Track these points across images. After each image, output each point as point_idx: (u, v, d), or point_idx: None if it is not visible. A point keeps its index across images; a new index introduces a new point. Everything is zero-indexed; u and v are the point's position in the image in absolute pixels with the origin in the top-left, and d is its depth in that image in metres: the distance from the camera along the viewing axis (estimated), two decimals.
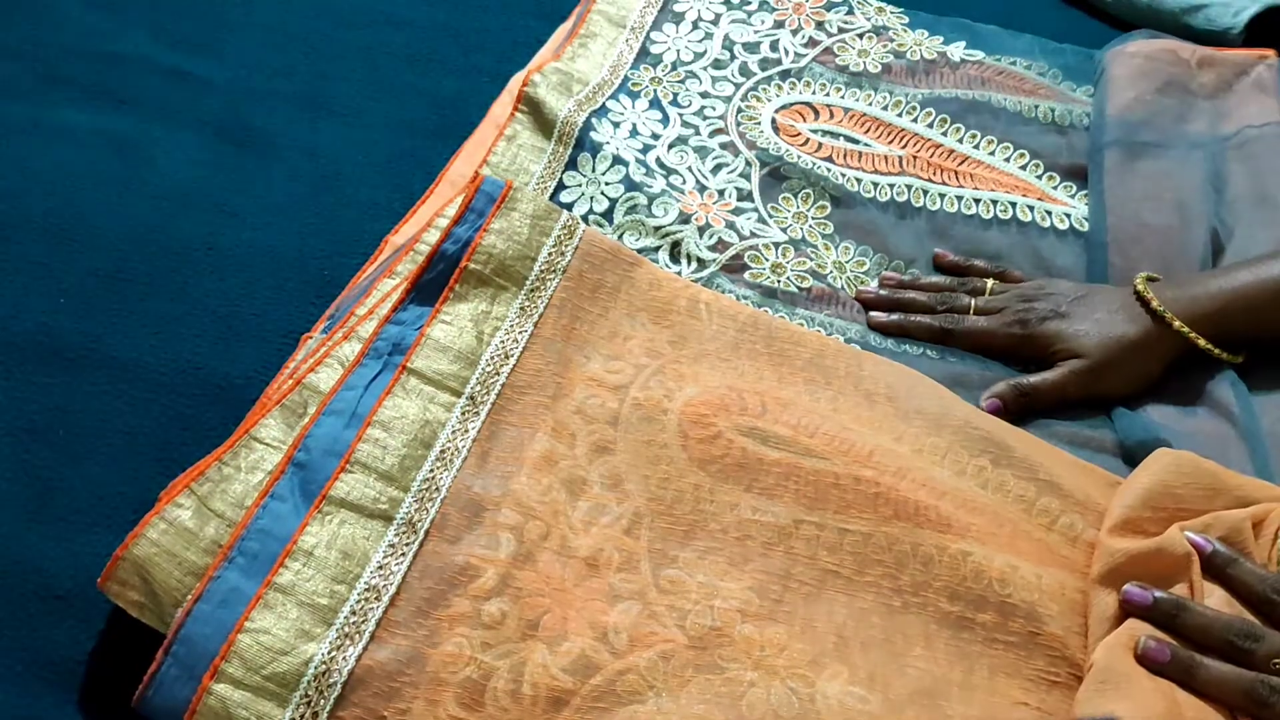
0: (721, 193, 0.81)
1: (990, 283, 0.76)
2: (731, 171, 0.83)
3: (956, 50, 0.91)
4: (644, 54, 0.91)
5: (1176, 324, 0.69)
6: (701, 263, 0.76)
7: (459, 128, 0.85)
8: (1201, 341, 0.69)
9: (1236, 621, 0.53)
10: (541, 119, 0.83)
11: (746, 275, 0.76)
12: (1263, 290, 0.69)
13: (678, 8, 0.95)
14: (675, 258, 0.76)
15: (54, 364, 0.69)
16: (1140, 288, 0.71)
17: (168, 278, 0.75)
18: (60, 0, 0.93)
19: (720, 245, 0.77)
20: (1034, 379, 0.70)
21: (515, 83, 0.86)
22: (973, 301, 0.75)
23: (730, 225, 0.78)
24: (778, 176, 0.82)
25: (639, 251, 0.76)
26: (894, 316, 0.75)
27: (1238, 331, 0.70)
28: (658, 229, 0.77)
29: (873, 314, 0.75)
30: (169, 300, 0.74)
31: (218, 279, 0.75)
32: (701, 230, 0.77)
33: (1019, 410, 0.70)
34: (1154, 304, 0.70)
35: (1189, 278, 0.72)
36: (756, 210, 0.80)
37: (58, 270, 0.74)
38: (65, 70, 0.87)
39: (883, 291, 0.77)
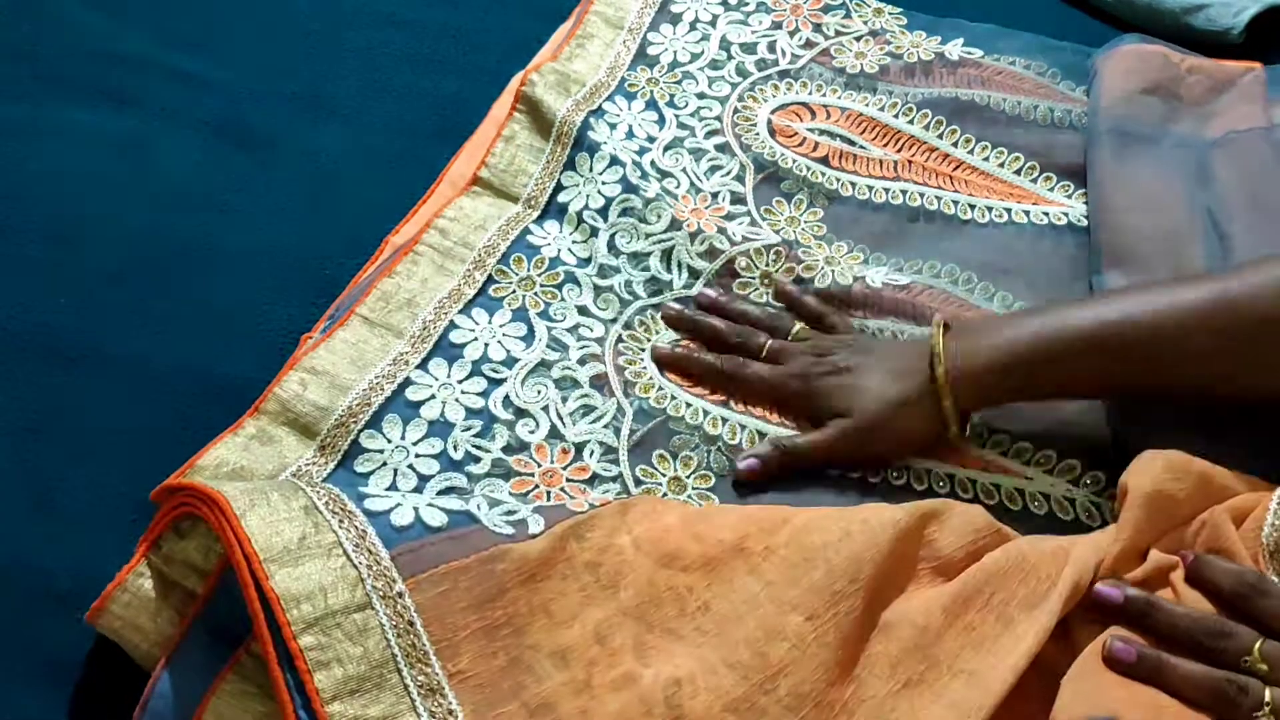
0: (715, 195, 0.81)
1: (797, 326, 0.73)
2: (726, 174, 0.83)
3: (954, 49, 0.91)
4: (641, 55, 0.91)
5: (940, 382, 0.64)
6: (694, 272, 0.76)
7: (459, 128, 0.86)
8: (947, 403, 0.65)
9: (1207, 619, 0.52)
10: (540, 119, 0.83)
11: (735, 285, 0.76)
12: (1054, 343, 0.63)
13: (675, 8, 0.95)
14: (667, 265, 0.77)
15: (54, 364, 0.70)
16: (935, 340, 0.66)
17: (168, 278, 0.75)
18: (60, 0, 0.93)
19: (711, 253, 0.77)
20: (800, 439, 0.67)
21: (516, 83, 0.86)
22: (767, 344, 0.71)
23: (721, 231, 0.78)
24: (772, 181, 0.83)
25: (631, 256, 0.77)
26: (679, 347, 0.73)
27: (1019, 394, 0.66)
28: (649, 235, 0.78)
29: (656, 344, 0.73)
30: (169, 300, 0.74)
31: (218, 279, 0.75)
32: (693, 237, 0.77)
33: (782, 472, 0.66)
34: (937, 357, 0.65)
35: (988, 324, 0.68)
36: (749, 214, 0.80)
37: (58, 270, 0.74)
38: (65, 70, 0.88)
39: (686, 312, 0.74)
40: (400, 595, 0.52)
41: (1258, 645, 0.50)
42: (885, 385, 0.66)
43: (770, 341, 0.71)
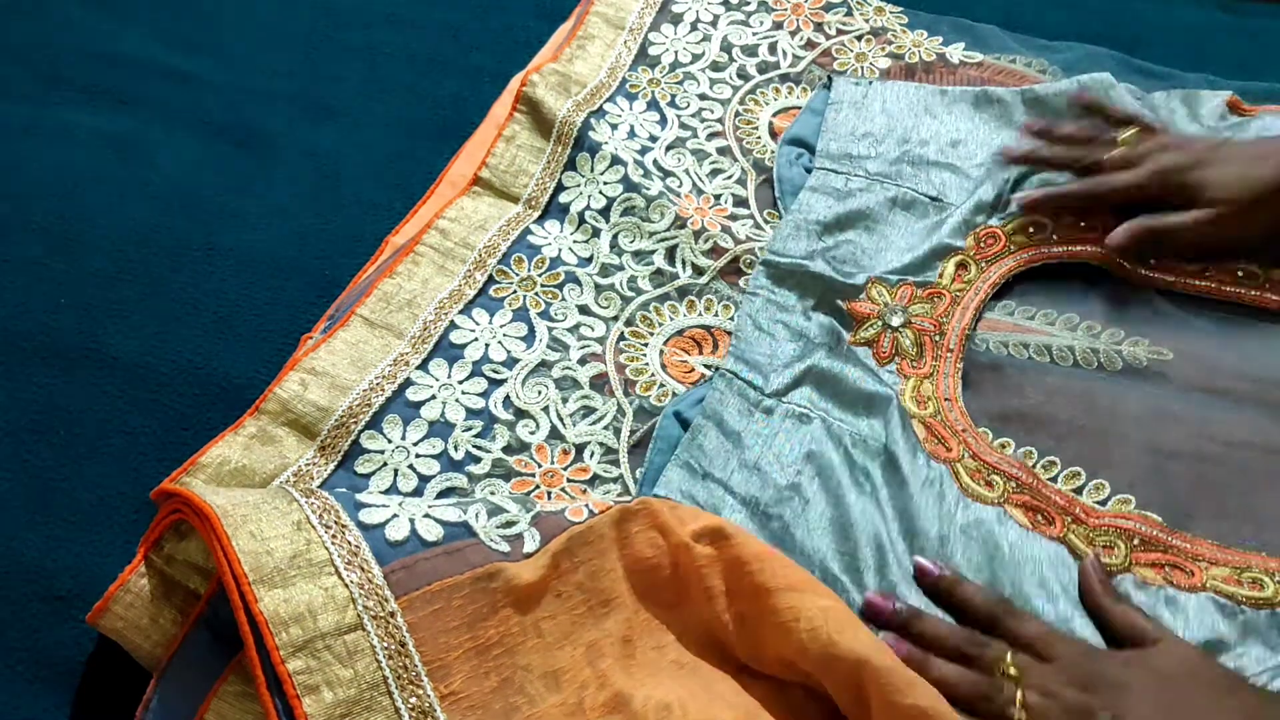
0: (718, 198, 0.81)
1: (1127, 132, 0.77)
2: (728, 178, 0.83)
3: (955, 51, 0.91)
4: (642, 55, 0.91)
5: None
6: (698, 269, 0.76)
7: (459, 128, 0.86)
8: None
9: (967, 630, 0.58)
10: (540, 119, 0.83)
11: (742, 281, 0.76)
12: None
13: (676, 9, 0.95)
14: (671, 263, 0.77)
15: (54, 364, 0.70)
16: None
17: (168, 278, 0.75)
18: (60, 1, 0.93)
19: (716, 251, 0.77)
20: (1171, 219, 0.72)
21: (516, 83, 0.86)
22: (1111, 154, 0.76)
23: (726, 230, 0.78)
24: (774, 184, 0.82)
25: (635, 254, 0.77)
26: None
27: None
28: (653, 234, 0.77)
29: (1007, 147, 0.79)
30: (169, 300, 0.74)
31: (218, 279, 0.75)
32: (697, 235, 0.77)
33: (1150, 249, 0.73)
34: None
35: None
36: (752, 217, 0.80)
37: (58, 270, 0.74)
38: (65, 70, 0.88)
39: (1024, 142, 0.80)
40: (392, 615, 0.51)
41: (1009, 655, 0.56)
42: (1255, 169, 0.70)
43: (1114, 151, 0.75)
